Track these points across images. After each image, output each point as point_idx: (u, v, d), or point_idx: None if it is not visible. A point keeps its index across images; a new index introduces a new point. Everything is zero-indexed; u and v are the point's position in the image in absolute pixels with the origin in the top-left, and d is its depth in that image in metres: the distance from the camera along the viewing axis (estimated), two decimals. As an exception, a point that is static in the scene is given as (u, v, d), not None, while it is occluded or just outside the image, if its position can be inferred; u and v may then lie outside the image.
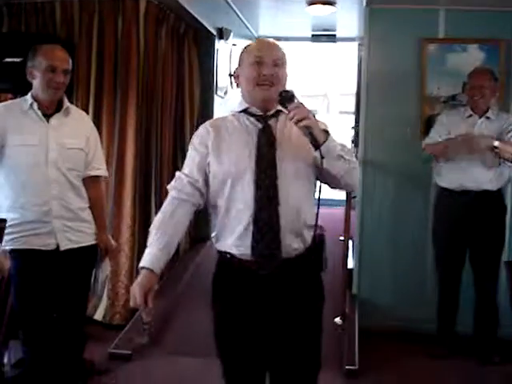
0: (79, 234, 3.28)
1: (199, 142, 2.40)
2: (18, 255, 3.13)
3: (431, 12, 4.74)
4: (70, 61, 3.25)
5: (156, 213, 4.77)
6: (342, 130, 8.53)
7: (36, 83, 3.19)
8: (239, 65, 2.41)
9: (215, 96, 6.38)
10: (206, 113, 6.23)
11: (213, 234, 2.43)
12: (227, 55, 6.81)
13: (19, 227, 3.14)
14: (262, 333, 2.35)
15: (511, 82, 4.69)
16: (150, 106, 4.91)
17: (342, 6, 5.97)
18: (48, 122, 3.20)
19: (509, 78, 4.69)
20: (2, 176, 3.20)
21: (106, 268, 4.67)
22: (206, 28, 5.85)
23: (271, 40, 2.46)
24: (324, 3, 5.83)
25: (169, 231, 2.35)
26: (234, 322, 2.38)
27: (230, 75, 6.85)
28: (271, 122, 2.34)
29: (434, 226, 4.40)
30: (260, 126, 2.33)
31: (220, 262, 2.42)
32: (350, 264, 5.10)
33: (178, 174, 2.43)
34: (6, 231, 3.11)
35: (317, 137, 2.15)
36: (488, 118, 4.10)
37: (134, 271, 4.72)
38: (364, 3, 4.79)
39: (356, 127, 7.15)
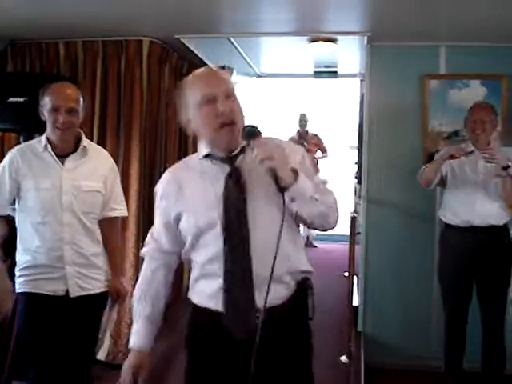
0: (91, 281, 3.17)
1: (161, 196, 2.25)
2: (26, 298, 3.06)
3: (432, 48, 4.79)
4: (80, 98, 3.11)
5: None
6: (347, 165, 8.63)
7: (47, 124, 3.13)
8: (184, 110, 2.18)
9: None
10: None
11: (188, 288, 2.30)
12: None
13: (30, 270, 3.07)
14: None
15: (513, 117, 4.72)
16: (154, 145, 4.94)
17: (344, 44, 6.00)
18: (63, 164, 3.10)
19: (510, 112, 4.70)
20: (17, 219, 3.16)
21: (113, 313, 4.58)
22: (208, 66, 5.89)
23: (211, 69, 2.27)
24: (326, 41, 5.86)
25: (150, 301, 2.29)
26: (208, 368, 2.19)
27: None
28: (238, 161, 2.13)
29: (439, 263, 4.36)
30: (227, 169, 2.11)
31: (193, 315, 2.27)
32: (355, 300, 5.05)
33: (148, 237, 2.33)
34: (18, 274, 3.08)
35: (282, 179, 1.96)
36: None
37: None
38: (365, 41, 4.83)
39: (359, 163, 7.15)
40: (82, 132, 3.20)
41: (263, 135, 2.08)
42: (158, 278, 2.31)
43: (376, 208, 4.81)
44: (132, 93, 4.76)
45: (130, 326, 4.54)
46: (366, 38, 4.77)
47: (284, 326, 2.13)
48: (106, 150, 4.70)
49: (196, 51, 5.29)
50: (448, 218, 4.17)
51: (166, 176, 2.27)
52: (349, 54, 6.65)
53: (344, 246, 5.37)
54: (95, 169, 3.19)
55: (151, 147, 4.90)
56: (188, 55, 5.36)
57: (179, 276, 5.71)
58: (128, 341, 4.52)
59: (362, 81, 7.12)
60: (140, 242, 4.72)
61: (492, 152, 3.83)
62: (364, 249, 4.87)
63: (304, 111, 8.60)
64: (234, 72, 6.60)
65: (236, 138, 2.08)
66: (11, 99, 4.52)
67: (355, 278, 5.32)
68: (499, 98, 4.65)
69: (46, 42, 4.87)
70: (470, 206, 4.03)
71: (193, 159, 2.26)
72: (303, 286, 2.19)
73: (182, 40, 4.88)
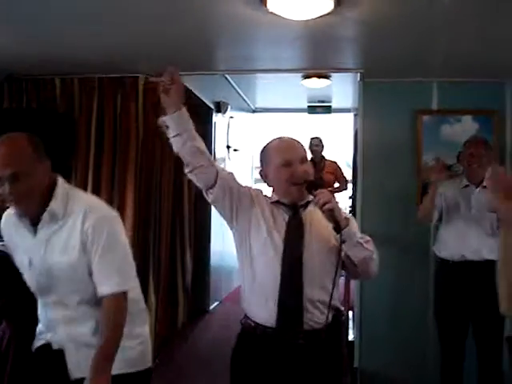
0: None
1: (252, 192, 2.63)
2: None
3: (424, 84, 4.85)
4: (28, 153, 2.36)
5: (154, 289, 4.76)
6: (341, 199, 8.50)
7: None
8: (266, 164, 2.62)
9: (213, 168, 6.43)
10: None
11: (243, 302, 2.65)
12: (225, 128, 6.91)
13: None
14: None
15: (506, 153, 4.76)
16: (149, 181, 4.96)
17: (337, 79, 6.09)
18: (36, 233, 2.42)
19: (503, 147, 4.76)
20: None
21: None
22: (203, 102, 5.96)
23: (292, 139, 2.66)
24: (319, 77, 5.95)
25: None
26: None
27: (227, 147, 6.94)
28: (301, 210, 2.57)
29: (434, 298, 4.35)
30: (291, 213, 2.56)
31: (243, 329, 2.63)
32: (351, 335, 5.03)
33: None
34: None
35: (338, 221, 2.35)
36: (485, 187, 4.11)
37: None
38: (358, 77, 4.89)
39: (353, 196, 7.18)
40: (57, 183, 2.55)
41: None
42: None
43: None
44: (128, 129, 4.80)
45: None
46: (358, 74, 4.84)
47: (321, 346, 2.50)
48: (101, 184, 4.80)
49: (191, 88, 5.34)
50: (442, 253, 4.18)
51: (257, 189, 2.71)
52: (342, 89, 6.74)
53: (339, 281, 5.35)
54: (70, 236, 2.38)
55: (146, 183, 4.91)
56: (184, 92, 5.41)
57: (174, 311, 5.70)
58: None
59: (355, 115, 7.19)
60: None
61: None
62: (359, 283, 4.86)
63: (316, 134, 7.65)
64: (229, 107, 6.67)
65: (303, 194, 2.54)
66: (7, 135, 4.54)
67: (350, 312, 5.32)
68: (491, 133, 4.69)
69: (42, 77, 4.91)
70: (464, 241, 4.03)
71: (266, 198, 2.65)
72: (337, 319, 2.58)
73: (178, 76, 4.93)
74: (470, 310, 4.07)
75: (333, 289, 2.46)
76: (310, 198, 2.53)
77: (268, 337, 2.50)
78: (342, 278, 5.32)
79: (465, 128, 4.74)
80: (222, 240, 6.85)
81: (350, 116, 8.17)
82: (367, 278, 2.69)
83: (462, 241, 4.05)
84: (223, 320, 6.36)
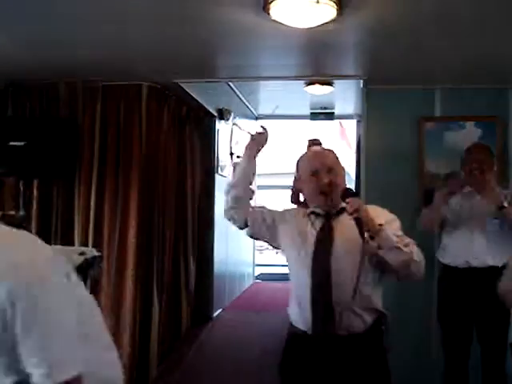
0: None
1: (283, 211, 2.84)
2: None
3: (427, 91, 4.86)
4: None
5: (158, 295, 4.77)
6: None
7: None
8: (298, 178, 2.80)
9: (216, 175, 6.45)
10: (207, 191, 6.29)
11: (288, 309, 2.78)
12: (228, 135, 6.92)
13: None
14: None
15: (509, 158, 4.76)
16: (153, 186, 4.96)
17: (340, 86, 6.09)
18: None
19: (506, 154, 4.75)
20: None
21: None
22: (206, 109, 5.97)
23: (322, 149, 2.82)
24: (322, 83, 5.95)
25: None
26: None
27: (231, 154, 6.95)
28: (333, 218, 2.66)
29: (438, 304, 4.33)
30: (323, 222, 2.67)
31: (289, 332, 2.75)
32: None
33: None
34: None
35: (368, 227, 2.46)
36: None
37: (135, 353, 4.66)
38: (361, 84, 4.90)
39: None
40: None
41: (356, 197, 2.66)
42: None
43: (374, 249, 4.80)
44: (131, 136, 4.81)
45: (128, 369, 4.55)
46: (361, 81, 4.84)
47: (360, 351, 2.57)
48: (105, 189, 4.82)
49: (194, 95, 5.36)
50: (446, 260, 4.18)
51: (288, 208, 2.89)
52: (345, 95, 6.73)
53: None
54: None
55: (150, 190, 4.92)
56: (187, 99, 5.44)
57: (178, 318, 5.70)
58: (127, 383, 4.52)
59: (358, 122, 7.19)
60: (138, 284, 4.72)
61: (493, 191, 3.88)
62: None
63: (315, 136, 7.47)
64: (232, 114, 6.68)
65: (332, 202, 2.64)
66: (11, 143, 4.57)
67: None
68: (494, 139, 4.69)
69: (46, 83, 4.92)
70: (468, 247, 4.03)
71: (302, 210, 2.79)
72: (379, 322, 2.64)
73: (181, 84, 4.95)
74: (475, 315, 4.06)
75: (355, 291, 2.49)
76: (345, 204, 2.62)
77: (307, 342, 2.62)
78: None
79: (468, 134, 4.73)
80: (226, 248, 6.85)
81: (353, 123, 8.19)
82: (412, 280, 2.71)
83: (465, 247, 4.04)
84: (227, 327, 6.36)
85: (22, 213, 4.79)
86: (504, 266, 4.02)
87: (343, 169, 2.77)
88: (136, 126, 4.82)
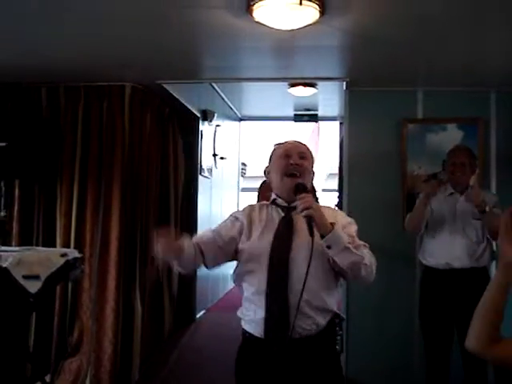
0: None
1: (234, 216, 2.67)
2: None
3: (410, 93, 4.88)
4: None
5: (140, 297, 4.77)
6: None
7: None
8: (270, 161, 2.69)
9: (200, 176, 6.44)
10: (190, 193, 6.28)
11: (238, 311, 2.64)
12: (211, 136, 6.91)
13: None
14: None
15: (490, 160, 4.80)
16: (135, 187, 4.93)
17: (324, 88, 6.11)
18: None
19: (488, 155, 4.79)
20: None
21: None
22: (190, 110, 5.96)
23: (298, 141, 2.73)
24: (306, 85, 5.97)
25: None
26: None
27: (214, 155, 6.94)
28: (294, 212, 2.53)
29: (420, 306, 4.35)
30: (282, 214, 2.57)
31: (242, 338, 2.62)
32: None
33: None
34: None
35: (318, 226, 2.34)
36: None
37: (117, 356, 4.63)
38: (344, 86, 4.92)
39: (339, 205, 7.21)
40: None
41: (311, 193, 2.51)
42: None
43: (357, 251, 4.81)
44: (114, 137, 4.78)
45: (109, 371, 4.54)
46: (344, 83, 4.86)
47: (313, 355, 2.47)
48: (87, 190, 4.78)
49: (178, 96, 5.35)
50: (428, 261, 4.20)
51: (245, 207, 2.72)
52: (329, 97, 6.76)
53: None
54: None
55: (133, 192, 4.89)
56: (170, 100, 5.42)
57: (161, 320, 5.68)
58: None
59: (341, 124, 7.22)
60: (120, 285, 4.70)
61: (476, 192, 3.91)
62: (345, 292, 4.87)
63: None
64: (215, 115, 6.68)
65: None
66: (-8, 144, 4.53)
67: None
68: (476, 141, 4.73)
69: (28, 85, 4.88)
70: (449, 249, 4.05)
71: (262, 204, 2.70)
72: (332, 324, 2.53)
73: (164, 85, 4.93)
74: (456, 316, 4.08)
75: (302, 290, 2.35)
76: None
77: (260, 347, 2.51)
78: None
79: (450, 136, 4.77)
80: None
81: (336, 124, 8.21)
82: (361, 283, 2.62)
83: (447, 249, 4.07)
84: (210, 329, 6.35)
85: (3, 213, 4.76)
86: (485, 268, 4.07)
87: (312, 166, 2.67)
88: (119, 127, 4.80)
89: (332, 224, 2.38)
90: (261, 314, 2.47)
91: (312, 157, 2.68)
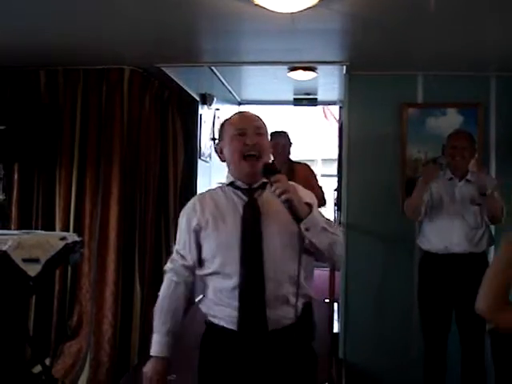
0: None
1: (186, 219, 2.44)
2: None
3: (410, 77, 4.87)
4: None
5: (139, 280, 4.76)
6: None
7: None
8: (221, 139, 2.44)
9: (199, 160, 6.43)
10: (189, 177, 6.27)
11: (199, 300, 2.49)
12: (210, 120, 6.90)
13: None
14: None
15: (490, 145, 4.79)
16: (134, 172, 4.92)
17: (323, 72, 6.09)
18: None
19: (487, 140, 4.79)
20: None
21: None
22: (189, 94, 5.94)
23: (250, 112, 2.52)
24: (305, 69, 5.94)
25: (170, 317, 2.49)
26: None
27: (213, 139, 6.93)
28: (257, 194, 2.37)
29: (418, 290, 4.36)
30: (245, 199, 2.36)
31: (207, 330, 2.46)
32: (336, 327, 5.05)
33: (173, 254, 2.53)
34: None
35: (298, 210, 2.19)
36: (468, 180, 4.14)
37: (116, 339, 4.65)
38: (344, 70, 4.90)
39: (338, 189, 7.21)
40: None
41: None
42: (178, 293, 2.51)
43: (356, 235, 4.82)
44: (113, 120, 4.77)
45: (109, 355, 4.55)
46: (344, 67, 4.84)
47: (291, 345, 2.33)
48: (86, 175, 4.78)
49: (177, 79, 5.32)
50: (426, 246, 4.21)
51: (192, 200, 2.49)
52: (328, 81, 6.73)
53: (324, 273, 5.38)
54: None
55: (132, 175, 4.89)
56: (169, 83, 5.40)
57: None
58: (107, 369, 4.54)
59: (341, 108, 7.19)
60: (120, 269, 4.71)
61: (482, 175, 3.90)
62: (344, 275, 4.88)
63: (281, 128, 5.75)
64: (215, 99, 6.66)
65: (257, 173, 2.32)
66: (-10, 127, 4.52)
67: (335, 304, 5.34)
68: (475, 125, 4.73)
69: (26, 69, 4.86)
70: (448, 233, 4.06)
71: (217, 189, 2.48)
72: (308, 309, 2.39)
73: (163, 69, 4.91)
74: (454, 301, 4.10)
75: (297, 282, 2.28)
76: (264, 179, 2.35)
77: (229, 339, 2.33)
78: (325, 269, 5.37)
79: (450, 121, 4.77)
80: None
81: (336, 109, 8.20)
82: (335, 262, 2.53)
83: (445, 234, 4.07)
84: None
85: (2, 197, 4.76)
86: (484, 253, 4.08)
87: (268, 136, 2.44)
88: (118, 110, 4.78)
89: (309, 205, 2.25)
90: (234, 309, 2.29)
91: (266, 128, 2.44)
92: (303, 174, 5.37)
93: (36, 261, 3.51)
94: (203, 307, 2.45)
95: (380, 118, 4.90)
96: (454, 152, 4.12)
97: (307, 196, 2.37)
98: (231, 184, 2.41)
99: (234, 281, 2.28)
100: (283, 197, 2.17)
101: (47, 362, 4.55)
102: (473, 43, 4.00)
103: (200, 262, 2.43)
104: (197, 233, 2.39)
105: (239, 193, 2.38)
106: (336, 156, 6.92)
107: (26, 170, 4.85)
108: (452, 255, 4.04)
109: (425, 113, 4.84)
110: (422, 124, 4.83)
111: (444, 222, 4.10)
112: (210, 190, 2.51)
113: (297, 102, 8.24)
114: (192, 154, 6.33)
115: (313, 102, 8.33)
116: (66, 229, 4.74)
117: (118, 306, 4.70)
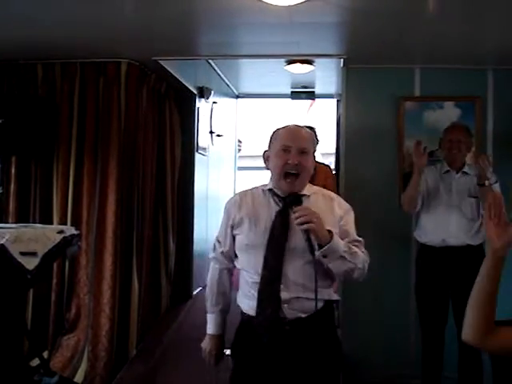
0: None
1: (227, 211, 2.71)
2: None
3: (407, 71, 4.87)
4: None
5: (137, 273, 4.77)
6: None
7: None
8: (269, 148, 2.62)
9: (196, 154, 6.42)
10: (187, 170, 6.27)
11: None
12: (208, 113, 6.89)
13: None
14: None
15: (487, 138, 4.80)
16: (131, 165, 4.91)
17: (321, 65, 6.08)
18: None
19: (484, 134, 4.79)
20: None
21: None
22: (186, 87, 5.93)
23: (300, 128, 2.63)
24: (303, 62, 5.93)
25: (221, 299, 2.81)
26: (249, 374, 2.61)
27: (211, 132, 6.92)
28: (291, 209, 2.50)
29: (416, 283, 4.39)
30: (281, 206, 2.55)
31: (241, 316, 2.71)
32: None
33: (215, 242, 2.80)
34: None
35: (318, 239, 2.36)
36: (465, 173, 4.16)
37: (114, 332, 4.66)
38: (341, 63, 4.89)
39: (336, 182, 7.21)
40: None
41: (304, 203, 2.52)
42: (224, 279, 2.83)
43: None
44: (110, 114, 4.76)
45: (107, 348, 4.56)
46: (342, 60, 4.83)
47: (310, 336, 2.52)
48: (83, 168, 4.77)
49: (174, 73, 5.31)
50: (423, 238, 4.22)
51: (236, 195, 2.77)
52: (326, 75, 6.73)
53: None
54: None
55: (129, 168, 4.88)
56: (166, 77, 5.39)
57: (158, 297, 5.70)
58: (105, 363, 4.55)
59: (338, 101, 7.20)
60: (118, 262, 4.71)
61: (485, 163, 3.91)
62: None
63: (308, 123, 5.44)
64: (212, 92, 6.65)
65: (294, 190, 2.52)
66: (-12, 120, 4.51)
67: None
68: (473, 119, 4.73)
69: (23, 62, 4.85)
70: (445, 226, 4.08)
71: (259, 189, 2.69)
72: (329, 304, 2.61)
73: (160, 62, 4.90)
74: (451, 294, 4.12)
75: (316, 277, 2.43)
76: (305, 191, 2.57)
77: (253, 325, 2.55)
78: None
79: (447, 114, 4.77)
80: (206, 226, 6.85)
81: (333, 102, 8.20)
82: (354, 281, 2.65)
83: (442, 226, 4.09)
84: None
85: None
86: (481, 245, 4.09)
87: (315, 156, 2.68)
88: (115, 104, 4.77)
89: (330, 233, 2.40)
90: (254, 302, 2.54)
91: (314, 147, 2.65)
92: (324, 175, 5.66)
93: (34, 254, 3.51)
94: (238, 299, 2.72)
95: (377, 112, 4.90)
96: (450, 145, 4.14)
97: (329, 208, 2.58)
98: (271, 190, 2.62)
99: (255, 279, 2.53)
100: (303, 227, 2.34)
101: (45, 355, 4.56)
102: (470, 36, 4.00)
103: (235, 254, 2.70)
104: (232, 227, 2.65)
105: (276, 199, 2.58)
106: (331, 150, 6.96)
107: (24, 164, 4.84)
108: (449, 248, 4.06)
109: (422, 106, 4.84)
110: (419, 117, 4.82)
111: (441, 215, 4.12)
112: (253, 188, 2.73)
113: (294, 95, 8.22)
114: (189, 147, 6.33)
115: (310, 96, 8.31)
116: (63, 222, 4.74)
117: (116, 299, 4.70)
